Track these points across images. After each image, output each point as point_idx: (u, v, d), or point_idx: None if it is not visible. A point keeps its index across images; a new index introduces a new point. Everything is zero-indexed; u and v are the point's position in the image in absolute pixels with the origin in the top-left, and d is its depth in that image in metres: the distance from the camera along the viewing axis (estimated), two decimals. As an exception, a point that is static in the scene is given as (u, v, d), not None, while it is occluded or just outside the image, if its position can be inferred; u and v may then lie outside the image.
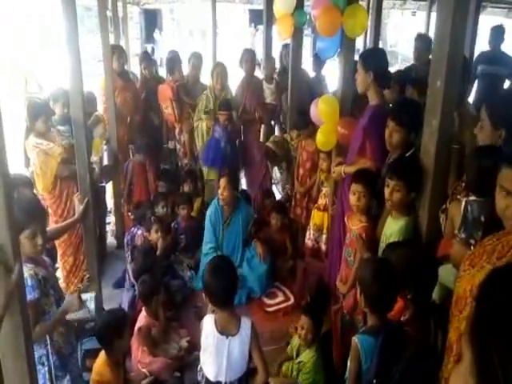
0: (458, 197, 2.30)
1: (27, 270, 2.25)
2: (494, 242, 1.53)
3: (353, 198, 2.97)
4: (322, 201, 4.21)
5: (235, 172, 5.32)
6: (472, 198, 2.13)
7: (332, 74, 6.04)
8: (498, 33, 5.81)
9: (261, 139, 5.15)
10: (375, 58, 3.23)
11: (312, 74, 6.03)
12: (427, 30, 7.98)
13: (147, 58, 5.67)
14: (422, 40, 4.70)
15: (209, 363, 2.36)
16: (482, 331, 0.93)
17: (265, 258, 4.33)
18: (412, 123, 2.72)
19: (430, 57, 4.47)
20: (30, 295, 2.22)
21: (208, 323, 2.36)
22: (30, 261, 2.36)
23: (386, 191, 2.65)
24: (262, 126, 5.19)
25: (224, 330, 2.32)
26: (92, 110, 4.58)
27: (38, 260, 2.46)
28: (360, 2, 4.08)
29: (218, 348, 2.31)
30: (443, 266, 2.25)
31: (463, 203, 2.16)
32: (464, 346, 0.96)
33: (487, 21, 8.41)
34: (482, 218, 2.06)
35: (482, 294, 1.02)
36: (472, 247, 1.87)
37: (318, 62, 5.78)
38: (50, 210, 3.88)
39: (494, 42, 5.80)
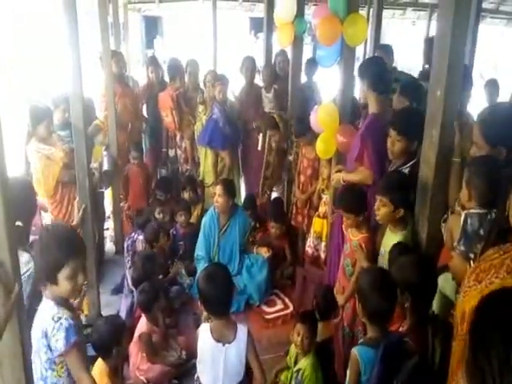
0: (457, 209, 2.28)
1: (66, 313, 2.01)
2: (501, 256, 1.48)
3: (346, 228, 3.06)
4: (322, 208, 4.19)
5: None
6: (472, 210, 2.11)
7: (324, 80, 6.04)
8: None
9: (258, 148, 5.12)
10: (368, 66, 3.28)
11: (303, 79, 5.98)
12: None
13: (155, 63, 5.61)
14: (383, 48, 4.95)
15: (206, 372, 2.33)
16: (478, 356, 0.92)
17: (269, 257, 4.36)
18: (414, 133, 2.69)
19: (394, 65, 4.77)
20: (74, 337, 1.98)
21: (204, 332, 2.33)
22: (64, 305, 2.07)
23: (375, 205, 2.65)
24: (260, 134, 5.17)
25: (220, 338, 2.28)
26: (91, 118, 4.57)
27: (70, 304, 2.21)
28: (360, 11, 4.09)
29: (214, 356, 2.28)
30: (443, 275, 2.24)
31: (462, 216, 2.13)
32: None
33: (487, 30, 8.45)
34: (482, 231, 2.03)
35: (476, 321, 1.01)
36: (471, 261, 1.85)
37: (311, 67, 5.77)
38: (51, 216, 3.87)
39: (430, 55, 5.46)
